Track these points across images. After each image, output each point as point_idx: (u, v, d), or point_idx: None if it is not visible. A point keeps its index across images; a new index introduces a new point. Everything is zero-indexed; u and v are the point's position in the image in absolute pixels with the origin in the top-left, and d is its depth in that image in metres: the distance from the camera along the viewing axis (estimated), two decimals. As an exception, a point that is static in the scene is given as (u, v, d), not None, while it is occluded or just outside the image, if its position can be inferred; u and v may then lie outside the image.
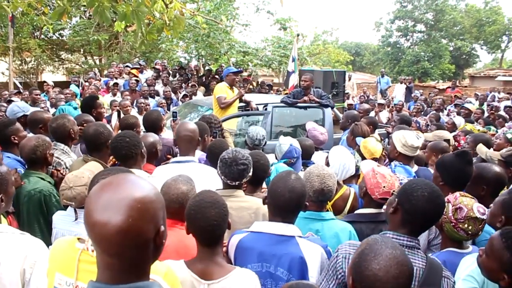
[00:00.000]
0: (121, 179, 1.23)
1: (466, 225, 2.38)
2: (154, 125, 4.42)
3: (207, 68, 14.60)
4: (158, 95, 10.79)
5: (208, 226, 2.05)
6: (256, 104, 6.99)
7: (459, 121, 7.30)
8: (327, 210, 3.01)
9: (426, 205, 2.06)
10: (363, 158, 4.05)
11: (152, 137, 3.78)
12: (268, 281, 2.27)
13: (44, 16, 5.64)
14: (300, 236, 2.32)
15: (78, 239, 1.81)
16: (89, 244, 1.73)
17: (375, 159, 4.30)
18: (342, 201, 3.45)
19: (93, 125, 3.58)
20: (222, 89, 6.78)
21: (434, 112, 9.24)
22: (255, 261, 2.29)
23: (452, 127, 6.85)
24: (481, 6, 35.99)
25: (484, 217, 2.40)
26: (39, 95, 9.04)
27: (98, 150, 3.48)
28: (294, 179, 2.35)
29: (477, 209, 2.39)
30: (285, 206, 2.32)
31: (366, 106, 8.26)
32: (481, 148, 4.05)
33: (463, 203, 2.42)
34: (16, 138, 3.71)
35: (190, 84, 11.59)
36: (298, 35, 12.90)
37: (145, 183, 1.25)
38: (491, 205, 2.66)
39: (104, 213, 1.13)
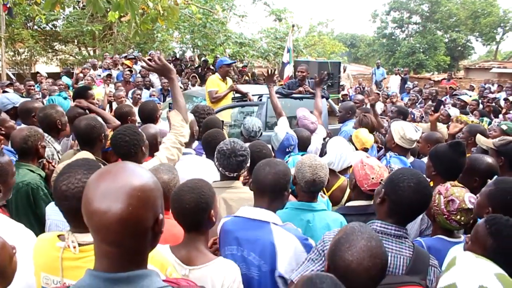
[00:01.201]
0: (119, 168, 1.21)
1: (458, 217, 2.39)
2: (150, 116, 4.38)
3: (203, 59, 14.54)
4: (153, 86, 10.74)
5: (181, 210, 2.08)
6: (251, 95, 6.97)
7: (454, 112, 7.30)
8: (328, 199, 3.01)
9: (413, 195, 2.06)
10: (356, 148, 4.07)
11: (153, 128, 3.75)
12: (243, 265, 2.27)
13: (36, 6, 5.58)
14: (275, 224, 2.31)
15: (58, 236, 1.79)
16: (70, 242, 1.72)
17: (365, 149, 4.32)
18: (340, 192, 3.46)
19: (84, 119, 3.46)
20: (214, 82, 6.69)
21: (430, 103, 9.24)
22: (232, 243, 2.32)
23: (447, 119, 6.85)
24: (476, -2, 36.02)
25: None
26: (33, 86, 8.98)
27: (90, 145, 3.39)
28: (278, 161, 2.41)
29: (469, 199, 2.40)
30: (266, 184, 2.35)
31: (360, 96, 8.25)
32: (480, 138, 4.03)
33: (455, 195, 2.42)
34: (2, 129, 3.66)
35: (191, 76, 11.54)
36: (293, 26, 12.86)
37: (144, 171, 1.24)
38: (478, 195, 2.66)
39: (104, 202, 1.12)
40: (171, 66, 3.19)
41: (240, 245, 2.30)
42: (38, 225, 2.92)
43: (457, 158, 3.03)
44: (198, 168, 3.35)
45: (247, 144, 3.21)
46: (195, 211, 2.08)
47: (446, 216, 2.41)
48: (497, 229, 1.89)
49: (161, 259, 1.82)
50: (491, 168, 3.16)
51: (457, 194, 2.43)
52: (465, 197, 2.41)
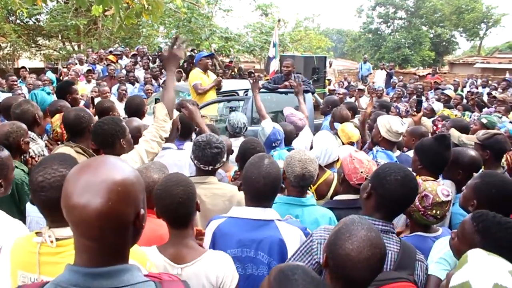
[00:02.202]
0: (100, 161, 1.20)
1: (434, 211, 2.39)
2: (136, 111, 4.34)
3: (188, 54, 14.44)
4: (137, 81, 10.65)
5: (173, 204, 2.04)
6: (237, 90, 6.96)
7: (438, 106, 7.38)
8: (312, 194, 3.00)
9: (400, 189, 2.07)
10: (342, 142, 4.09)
11: (136, 121, 3.74)
12: (249, 266, 2.26)
13: (18, 0, 5.47)
14: (279, 220, 2.32)
15: (36, 233, 1.76)
16: (47, 236, 1.68)
17: (351, 143, 4.34)
18: (326, 186, 3.45)
19: (73, 110, 3.43)
20: (196, 76, 6.70)
21: (415, 97, 9.33)
22: (234, 246, 2.27)
23: (431, 113, 6.92)
24: (460, -6, 36.35)
25: (449, 198, 2.41)
26: (16, 81, 8.84)
27: (79, 135, 3.36)
28: (268, 164, 2.33)
29: (442, 192, 2.40)
30: (261, 192, 2.30)
31: (343, 90, 8.29)
32: (454, 133, 4.07)
33: (428, 190, 2.41)
34: None
35: (176, 71, 11.48)
36: (279, 20, 12.84)
37: (125, 165, 1.22)
38: (463, 188, 2.68)
39: (83, 196, 1.11)
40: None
41: (245, 246, 2.27)
42: (21, 221, 2.88)
43: (443, 151, 3.05)
44: (179, 163, 3.35)
45: (237, 140, 3.21)
46: (187, 204, 2.07)
47: (422, 212, 2.41)
48: (484, 226, 1.89)
49: (140, 254, 1.80)
50: (474, 161, 3.19)
51: (430, 188, 2.42)
52: (437, 190, 2.40)
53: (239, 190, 2.50)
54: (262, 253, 2.24)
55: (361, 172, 2.78)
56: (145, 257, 1.79)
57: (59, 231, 1.69)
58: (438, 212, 2.39)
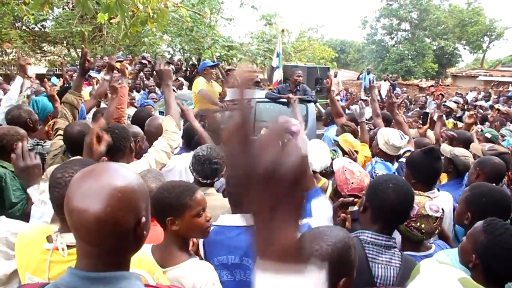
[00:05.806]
0: (104, 167, 1.22)
1: (418, 224, 2.33)
2: (142, 122, 4.32)
3: (190, 62, 14.52)
4: (143, 88, 10.68)
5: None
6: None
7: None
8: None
9: (393, 198, 2.06)
10: (344, 152, 4.07)
11: (136, 129, 3.73)
12: (237, 272, 2.26)
13: (25, 6, 5.52)
14: None
15: (47, 237, 1.76)
16: (58, 243, 1.68)
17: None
18: (321, 193, 3.45)
19: (77, 125, 3.32)
20: (200, 85, 6.72)
21: (418, 109, 9.34)
22: (221, 254, 2.29)
23: (432, 124, 6.89)
24: (464, 7, 36.49)
25: (438, 214, 2.35)
26: (20, 86, 8.87)
27: (78, 152, 3.29)
28: None
29: (429, 206, 2.35)
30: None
31: (341, 103, 8.29)
32: (445, 147, 4.03)
33: (415, 202, 2.33)
34: None
35: (175, 79, 11.55)
36: (283, 30, 12.90)
37: (129, 172, 1.24)
38: (456, 204, 2.69)
39: (83, 201, 1.13)
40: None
41: (230, 253, 2.28)
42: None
43: (433, 164, 3.02)
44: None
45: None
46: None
47: (406, 223, 2.34)
48: (492, 228, 1.94)
49: (149, 263, 1.80)
50: (497, 167, 3.22)
51: (417, 201, 2.35)
52: (425, 204, 2.36)
53: (224, 196, 2.51)
54: (247, 259, 2.24)
55: (352, 183, 2.74)
56: (154, 267, 1.79)
57: (69, 237, 1.68)
58: (422, 225, 2.32)
